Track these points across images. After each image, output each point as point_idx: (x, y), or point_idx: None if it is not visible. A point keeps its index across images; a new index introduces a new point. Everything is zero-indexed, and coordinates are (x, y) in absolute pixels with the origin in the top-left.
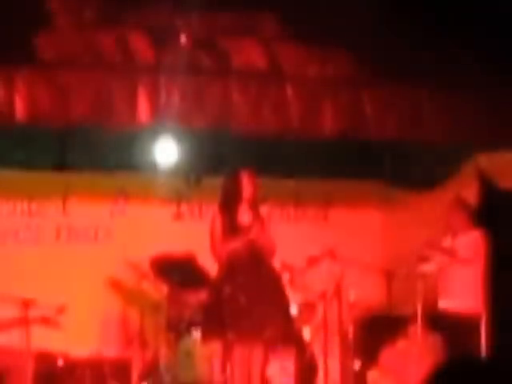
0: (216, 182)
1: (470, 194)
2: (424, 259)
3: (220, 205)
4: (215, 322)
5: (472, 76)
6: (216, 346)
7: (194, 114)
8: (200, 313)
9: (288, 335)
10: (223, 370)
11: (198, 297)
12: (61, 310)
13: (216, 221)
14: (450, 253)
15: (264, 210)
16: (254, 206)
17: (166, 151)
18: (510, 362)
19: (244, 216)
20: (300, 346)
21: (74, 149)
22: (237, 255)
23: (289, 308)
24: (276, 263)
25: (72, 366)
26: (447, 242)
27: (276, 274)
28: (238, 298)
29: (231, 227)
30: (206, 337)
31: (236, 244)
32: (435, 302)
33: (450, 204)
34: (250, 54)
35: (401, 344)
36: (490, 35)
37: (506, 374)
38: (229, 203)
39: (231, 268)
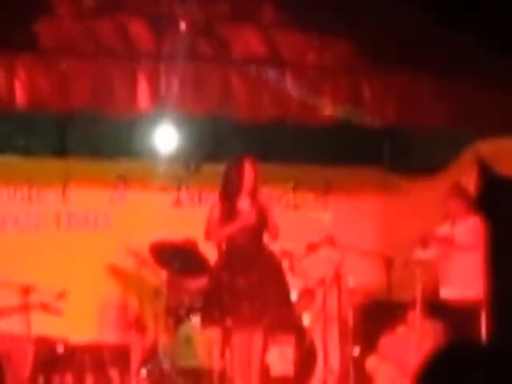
0: (215, 169)
1: (470, 180)
2: (423, 246)
3: (221, 191)
4: (214, 307)
5: (472, 62)
6: (215, 332)
7: (193, 100)
8: (199, 299)
9: (287, 321)
10: (222, 355)
11: (198, 283)
12: (60, 296)
13: (215, 206)
14: (448, 241)
15: (265, 195)
16: (255, 193)
17: (166, 138)
18: (509, 348)
19: (243, 203)
20: (299, 333)
21: (74, 135)
22: (236, 241)
23: (289, 294)
24: (275, 248)
25: (71, 352)
26: (446, 228)
27: (276, 260)
28: (237, 284)
29: (229, 213)
30: (205, 323)
31: (232, 230)
32: (435, 289)
33: (449, 191)
34: (249, 42)
35: (400, 330)
36: (490, 21)
37: (506, 359)
38: (229, 190)
39: (230, 254)
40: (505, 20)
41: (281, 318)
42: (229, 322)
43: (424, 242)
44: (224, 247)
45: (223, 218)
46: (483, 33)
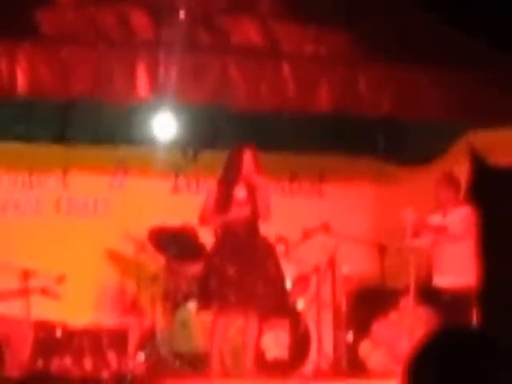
0: (213, 156)
1: (462, 170)
2: (416, 235)
3: (220, 178)
4: (206, 292)
5: (466, 53)
6: (210, 317)
7: (192, 89)
8: (196, 284)
9: (280, 306)
10: (218, 340)
11: (195, 268)
12: (60, 280)
13: (212, 192)
14: (440, 230)
15: (259, 178)
16: (253, 182)
17: (165, 125)
18: (499, 334)
19: (240, 192)
20: (294, 318)
21: (74, 122)
22: (230, 228)
23: (282, 279)
24: (271, 235)
25: (70, 335)
26: (438, 217)
27: (270, 247)
28: (228, 271)
29: (225, 201)
30: (199, 307)
31: (226, 218)
32: (427, 276)
33: (440, 180)
34: (247, 32)
35: (392, 316)
36: (485, 12)
37: (496, 345)
38: (228, 177)
39: (224, 240)
40: (500, 12)
41: (273, 303)
42: (218, 306)
43: (417, 231)
44: (219, 233)
45: (218, 206)
46: (478, 24)
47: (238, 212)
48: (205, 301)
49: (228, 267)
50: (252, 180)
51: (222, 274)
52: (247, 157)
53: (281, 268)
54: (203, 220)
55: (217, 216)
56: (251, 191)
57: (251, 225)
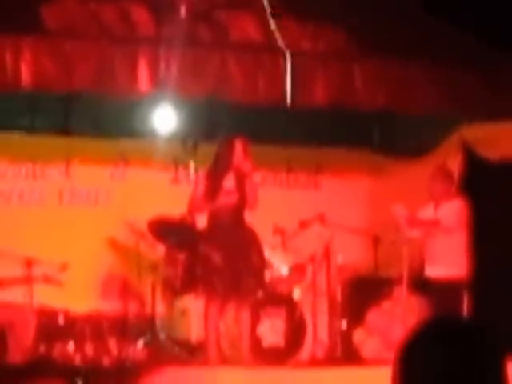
0: (212, 149)
1: (455, 163)
2: (409, 226)
3: (209, 168)
4: (192, 279)
5: (460, 48)
6: (212, 306)
7: (191, 83)
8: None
9: (263, 295)
10: (212, 328)
11: None
12: (62, 268)
13: (201, 182)
14: (433, 224)
15: (247, 168)
16: (242, 172)
17: (165, 119)
18: (489, 323)
19: (229, 182)
20: (290, 306)
21: (77, 115)
22: (217, 217)
23: (264, 268)
24: (268, 225)
25: (72, 322)
26: (430, 209)
27: (253, 235)
28: (213, 259)
29: (214, 190)
30: (184, 292)
31: (214, 206)
32: (420, 267)
33: (433, 173)
34: (246, 28)
35: (386, 305)
36: (478, 8)
37: (486, 334)
38: (218, 167)
39: (211, 229)
40: (493, 8)
41: (255, 292)
42: (204, 294)
43: (409, 225)
44: (206, 221)
45: (208, 194)
46: (472, 22)
47: (226, 200)
48: (190, 287)
49: (214, 255)
50: (242, 170)
51: (207, 261)
52: (238, 148)
53: (264, 257)
54: (193, 208)
55: (206, 204)
56: (240, 181)
57: (237, 213)
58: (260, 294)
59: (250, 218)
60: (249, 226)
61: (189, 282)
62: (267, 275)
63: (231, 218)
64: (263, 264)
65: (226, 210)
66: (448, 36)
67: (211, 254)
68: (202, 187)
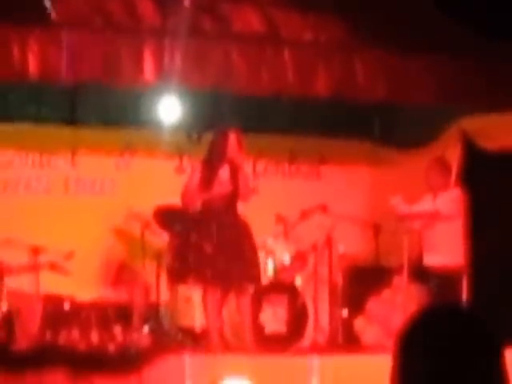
0: None
1: (454, 154)
2: (407, 217)
3: (204, 159)
4: (180, 265)
5: (459, 41)
6: (216, 293)
7: (196, 74)
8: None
9: (253, 284)
10: (212, 315)
11: None
12: (68, 256)
13: (195, 172)
14: (432, 216)
15: (241, 159)
16: (236, 163)
17: (170, 109)
18: (487, 311)
19: (224, 173)
20: (292, 294)
21: (83, 105)
22: (210, 206)
23: (256, 259)
24: (271, 215)
25: (78, 309)
26: (429, 199)
27: (246, 226)
28: (204, 247)
29: (209, 181)
30: (175, 280)
31: (209, 196)
32: (420, 256)
33: (431, 164)
34: (249, 19)
35: (386, 294)
36: (478, 1)
37: (484, 321)
38: (213, 158)
39: (203, 217)
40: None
41: (247, 282)
42: (195, 282)
43: (408, 216)
44: (198, 208)
45: (202, 185)
46: (471, 12)
47: (220, 190)
48: (181, 275)
49: (205, 244)
50: (235, 162)
51: (199, 249)
52: (232, 139)
53: (256, 247)
54: (186, 198)
55: (200, 194)
56: (234, 172)
57: (230, 204)
58: (259, 282)
59: (253, 206)
60: (241, 217)
61: (181, 270)
62: (262, 265)
63: (224, 208)
64: (255, 254)
65: (220, 200)
66: (448, 27)
67: (202, 242)
68: (197, 177)
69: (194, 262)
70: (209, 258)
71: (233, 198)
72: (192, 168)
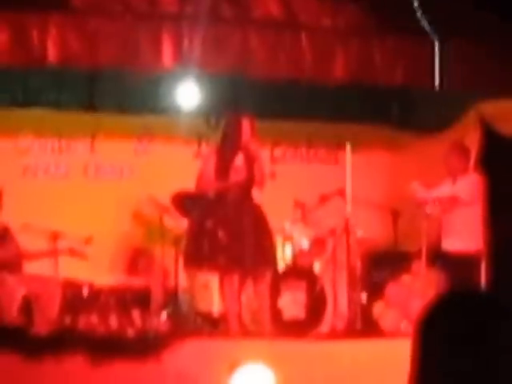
0: None
1: (473, 139)
2: (426, 202)
3: (218, 146)
4: (194, 252)
5: (478, 26)
6: (233, 279)
7: (214, 59)
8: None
9: (270, 270)
10: (230, 301)
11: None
12: (87, 241)
13: (209, 159)
14: (451, 201)
15: (255, 147)
16: (250, 150)
17: (188, 94)
18: (507, 295)
19: (239, 160)
20: (311, 279)
21: (102, 91)
22: (225, 193)
23: (272, 246)
24: (289, 199)
25: (96, 294)
26: (448, 184)
27: (261, 213)
28: (218, 234)
29: (225, 168)
30: (191, 267)
31: (225, 184)
32: (438, 241)
33: (450, 148)
34: (267, 4)
35: (405, 279)
36: None
37: (503, 306)
38: (226, 145)
39: (217, 204)
40: None
41: (262, 270)
42: (206, 268)
43: (428, 201)
44: (212, 196)
45: (218, 172)
46: None
47: (235, 178)
48: (196, 261)
49: (219, 232)
50: (249, 148)
51: (213, 236)
52: (245, 126)
53: (272, 234)
54: (202, 186)
55: (216, 181)
56: (248, 159)
57: (245, 191)
58: (275, 268)
59: (271, 192)
60: (257, 204)
61: (196, 256)
62: (280, 250)
63: (239, 195)
64: (271, 240)
65: (235, 187)
66: (466, 12)
67: (217, 229)
68: (211, 165)
69: (208, 249)
70: (223, 245)
71: (248, 184)
72: (205, 155)
